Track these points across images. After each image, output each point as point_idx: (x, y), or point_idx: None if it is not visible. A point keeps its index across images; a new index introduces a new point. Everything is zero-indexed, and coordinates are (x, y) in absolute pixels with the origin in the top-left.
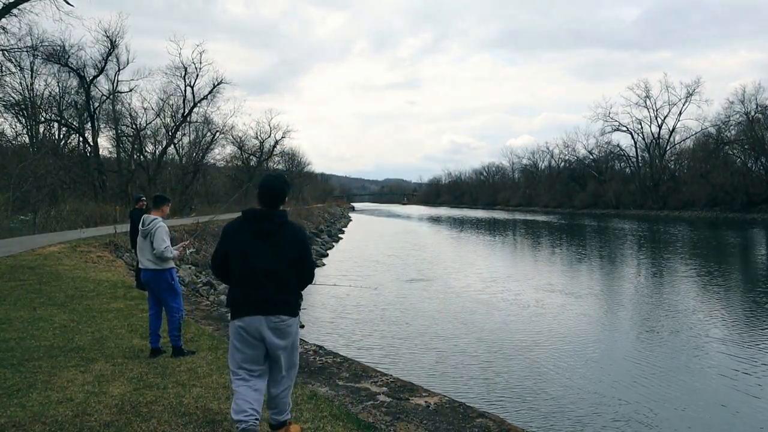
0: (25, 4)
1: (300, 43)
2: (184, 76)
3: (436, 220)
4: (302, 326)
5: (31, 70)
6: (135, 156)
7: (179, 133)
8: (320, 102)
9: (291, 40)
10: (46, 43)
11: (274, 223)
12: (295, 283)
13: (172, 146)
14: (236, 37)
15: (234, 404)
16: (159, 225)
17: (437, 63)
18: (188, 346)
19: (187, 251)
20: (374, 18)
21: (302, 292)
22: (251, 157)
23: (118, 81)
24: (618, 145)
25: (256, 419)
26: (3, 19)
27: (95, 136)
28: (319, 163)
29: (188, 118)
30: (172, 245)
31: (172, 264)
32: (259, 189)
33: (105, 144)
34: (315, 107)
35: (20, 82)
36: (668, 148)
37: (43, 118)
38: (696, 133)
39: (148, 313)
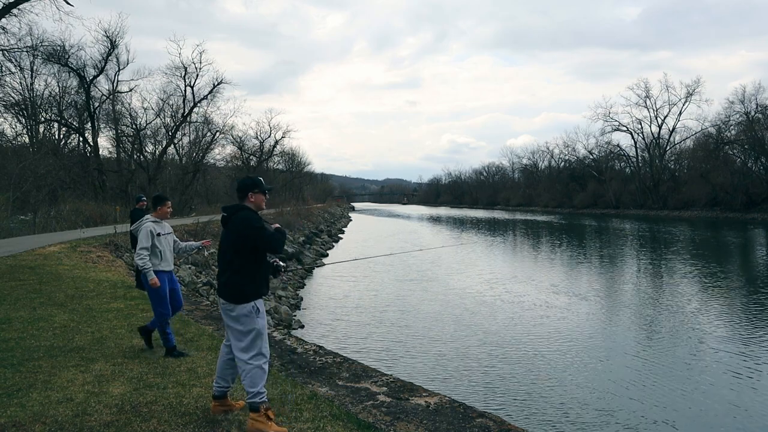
0: (25, 4)
1: (300, 43)
2: (184, 76)
3: (436, 220)
4: (302, 326)
5: (31, 70)
6: (135, 156)
7: (179, 133)
8: (320, 102)
9: (291, 39)
10: (46, 43)
11: (226, 214)
12: (242, 270)
13: (172, 146)
14: (236, 36)
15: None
16: (142, 226)
17: (437, 63)
18: (188, 346)
19: (206, 252)
20: (374, 18)
21: (258, 283)
22: (251, 157)
23: (118, 81)
24: (618, 145)
25: (221, 388)
26: (3, 19)
27: (95, 136)
28: (319, 163)
29: (188, 118)
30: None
31: (161, 267)
32: None
33: (105, 144)
34: (315, 107)
35: (20, 82)
36: (668, 148)
37: (43, 118)
38: (696, 133)
39: (147, 313)
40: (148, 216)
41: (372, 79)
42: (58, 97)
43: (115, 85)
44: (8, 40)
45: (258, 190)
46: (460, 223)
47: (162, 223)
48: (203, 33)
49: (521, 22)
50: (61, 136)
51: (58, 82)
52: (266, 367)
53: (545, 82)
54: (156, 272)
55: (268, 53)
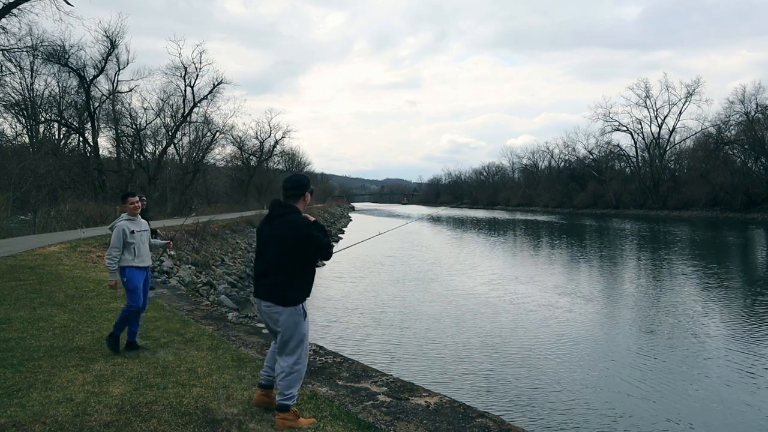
0: (25, 4)
1: (299, 42)
2: (184, 76)
3: (436, 220)
4: None
5: (31, 70)
6: (135, 156)
7: (179, 133)
8: (320, 102)
9: (291, 39)
10: (46, 43)
11: (275, 212)
12: (286, 270)
13: (172, 146)
14: (236, 36)
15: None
16: (116, 226)
17: (437, 63)
18: (189, 346)
19: (167, 252)
20: (374, 18)
21: (305, 286)
22: (251, 157)
23: (118, 81)
24: (618, 145)
25: (269, 376)
26: (3, 19)
27: (95, 136)
28: (319, 163)
29: (188, 118)
30: (159, 244)
31: (135, 263)
32: None
33: (105, 144)
34: (315, 107)
35: (20, 82)
36: (668, 148)
37: (43, 118)
38: (696, 133)
39: (147, 313)
40: (123, 214)
41: (372, 79)
42: (58, 97)
43: (115, 85)
44: (8, 40)
45: (309, 191)
46: (460, 223)
47: (137, 220)
48: (203, 33)
49: (521, 22)
50: (61, 136)
51: (58, 82)
52: (304, 371)
53: (545, 82)
54: (131, 268)
55: (268, 53)
